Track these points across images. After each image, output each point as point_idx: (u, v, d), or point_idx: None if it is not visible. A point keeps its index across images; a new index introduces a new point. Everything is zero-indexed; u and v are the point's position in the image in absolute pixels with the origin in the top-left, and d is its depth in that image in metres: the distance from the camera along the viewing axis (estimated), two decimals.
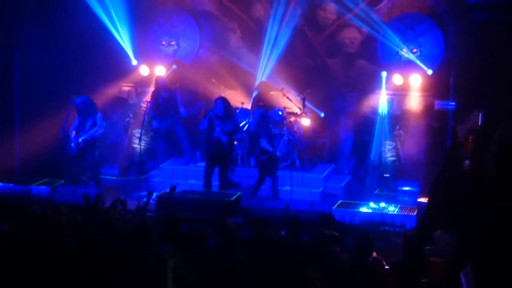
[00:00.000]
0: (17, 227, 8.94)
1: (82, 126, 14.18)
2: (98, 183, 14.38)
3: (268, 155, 13.90)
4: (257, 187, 14.11)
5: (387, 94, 15.74)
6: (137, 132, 16.00)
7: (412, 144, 15.63)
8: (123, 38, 16.48)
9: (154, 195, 13.55)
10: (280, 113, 15.68)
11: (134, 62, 16.66)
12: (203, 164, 15.25)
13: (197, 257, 8.01)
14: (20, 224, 9.09)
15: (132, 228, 8.86)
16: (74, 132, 14.24)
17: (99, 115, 14.26)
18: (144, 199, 11.46)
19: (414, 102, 15.63)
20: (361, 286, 7.63)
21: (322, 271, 7.77)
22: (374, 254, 8.63)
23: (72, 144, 14.19)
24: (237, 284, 7.46)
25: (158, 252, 8.17)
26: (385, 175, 15.32)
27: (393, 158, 15.67)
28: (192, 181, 15.07)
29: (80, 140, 14.10)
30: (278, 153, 13.81)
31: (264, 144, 13.95)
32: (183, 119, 15.61)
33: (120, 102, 17.03)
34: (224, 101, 14.08)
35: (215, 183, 14.13)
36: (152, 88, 15.94)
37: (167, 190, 12.34)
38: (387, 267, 8.57)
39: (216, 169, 14.10)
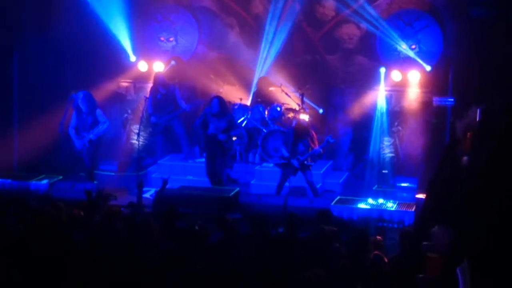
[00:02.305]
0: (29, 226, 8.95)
1: (82, 124, 14.14)
2: (93, 178, 14.38)
3: (284, 161, 13.84)
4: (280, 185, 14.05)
5: (386, 90, 15.75)
6: (135, 128, 16.00)
7: (410, 140, 15.64)
8: (122, 34, 16.47)
9: (152, 190, 13.60)
10: (278, 109, 15.69)
11: (132, 58, 16.66)
12: (201, 160, 15.30)
13: (200, 251, 8.05)
14: (20, 220, 9.11)
15: (134, 225, 8.89)
16: (74, 131, 14.21)
17: (98, 111, 14.24)
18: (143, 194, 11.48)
19: (413, 98, 15.62)
20: (360, 282, 7.63)
21: (321, 267, 7.78)
22: (376, 252, 8.59)
23: (78, 147, 14.17)
24: (239, 279, 7.47)
25: (158, 248, 8.19)
26: (383, 171, 15.32)
27: (392, 154, 15.67)
28: (190, 177, 15.08)
29: (86, 142, 14.07)
30: (293, 161, 13.70)
31: (283, 151, 13.90)
32: (183, 115, 15.60)
33: (119, 98, 17.02)
34: (220, 100, 14.17)
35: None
36: (150, 84, 15.95)
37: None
38: None
39: None
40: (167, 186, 12.83)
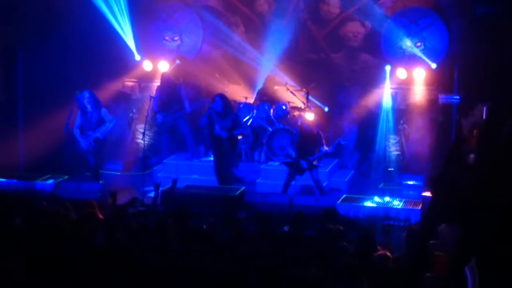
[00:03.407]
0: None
1: (87, 123, 14.13)
2: (99, 178, 14.40)
3: (291, 160, 13.81)
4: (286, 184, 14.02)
5: (391, 88, 15.71)
6: (140, 127, 15.99)
7: (416, 138, 15.61)
8: (126, 33, 16.47)
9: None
10: (284, 107, 15.68)
11: (137, 57, 16.65)
12: (206, 159, 15.31)
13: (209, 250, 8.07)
14: (30, 221, 9.13)
15: (151, 226, 8.89)
16: (79, 131, 14.21)
17: (103, 110, 14.22)
18: (153, 194, 11.51)
19: (418, 96, 15.59)
20: (366, 280, 7.62)
21: (328, 265, 7.77)
22: (383, 251, 8.56)
23: (84, 146, 14.17)
24: (247, 278, 7.48)
25: (174, 249, 8.19)
26: (389, 169, 15.30)
27: (397, 152, 15.65)
28: (196, 176, 15.09)
29: (92, 140, 14.08)
30: (301, 162, 13.68)
31: (290, 151, 13.86)
32: (188, 114, 15.60)
33: (124, 98, 17.03)
34: (222, 97, 14.18)
35: None
36: (155, 83, 15.96)
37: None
38: None
39: None
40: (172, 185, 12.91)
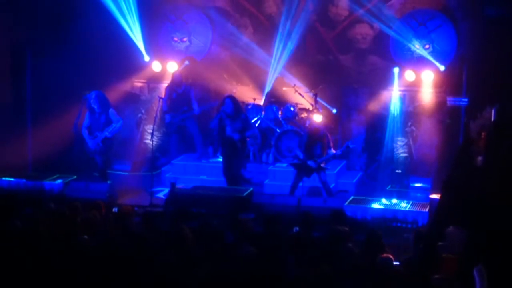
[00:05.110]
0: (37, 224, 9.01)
1: (96, 124, 14.16)
2: (106, 178, 14.43)
3: (299, 161, 13.79)
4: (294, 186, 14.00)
5: (399, 90, 15.71)
6: (149, 128, 16.03)
7: (424, 140, 15.61)
8: (135, 34, 16.50)
9: (166, 190, 13.67)
10: (292, 109, 15.69)
11: (146, 58, 16.68)
12: (215, 160, 15.33)
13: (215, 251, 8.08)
14: (37, 221, 9.17)
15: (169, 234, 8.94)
16: (87, 131, 14.23)
17: (111, 110, 14.26)
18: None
19: (426, 98, 15.59)
20: (371, 281, 7.63)
21: (335, 267, 7.78)
22: (386, 254, 8.54)
23: (92, 147, 14.20)
24: (252, 278, 7.49)
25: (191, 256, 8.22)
26: (397, 171, 15.27)
27: (405, 154, 15.64)
28: (204, 177, 15.11)
29: (100, 141, 14.11)
30: (309, 162, 13.66)
31: (297, 152, 13.84)
32: (196, 115, 15.62)
33: (132, 98, 17.06)
34: (232, 99, 14.23)
35: None
36: (164, 84, 15.98)
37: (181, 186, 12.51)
38: (397, 262, 8.52)
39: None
40: (180, 187, 12.94)
